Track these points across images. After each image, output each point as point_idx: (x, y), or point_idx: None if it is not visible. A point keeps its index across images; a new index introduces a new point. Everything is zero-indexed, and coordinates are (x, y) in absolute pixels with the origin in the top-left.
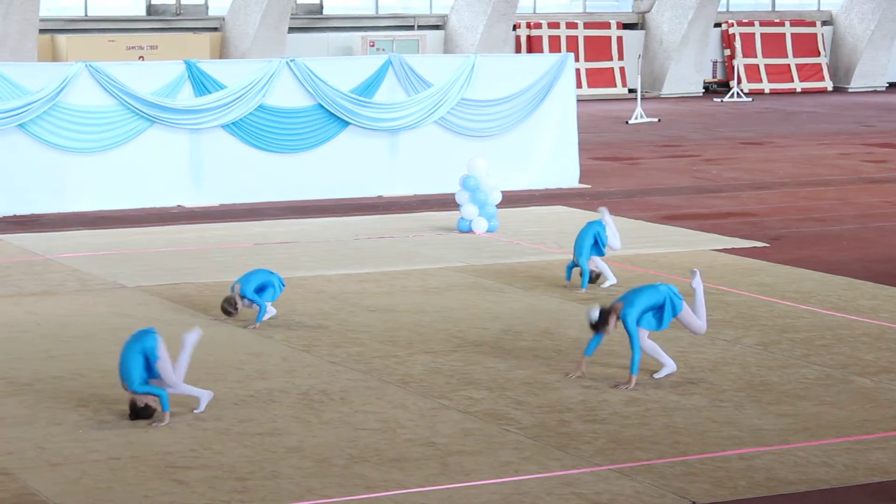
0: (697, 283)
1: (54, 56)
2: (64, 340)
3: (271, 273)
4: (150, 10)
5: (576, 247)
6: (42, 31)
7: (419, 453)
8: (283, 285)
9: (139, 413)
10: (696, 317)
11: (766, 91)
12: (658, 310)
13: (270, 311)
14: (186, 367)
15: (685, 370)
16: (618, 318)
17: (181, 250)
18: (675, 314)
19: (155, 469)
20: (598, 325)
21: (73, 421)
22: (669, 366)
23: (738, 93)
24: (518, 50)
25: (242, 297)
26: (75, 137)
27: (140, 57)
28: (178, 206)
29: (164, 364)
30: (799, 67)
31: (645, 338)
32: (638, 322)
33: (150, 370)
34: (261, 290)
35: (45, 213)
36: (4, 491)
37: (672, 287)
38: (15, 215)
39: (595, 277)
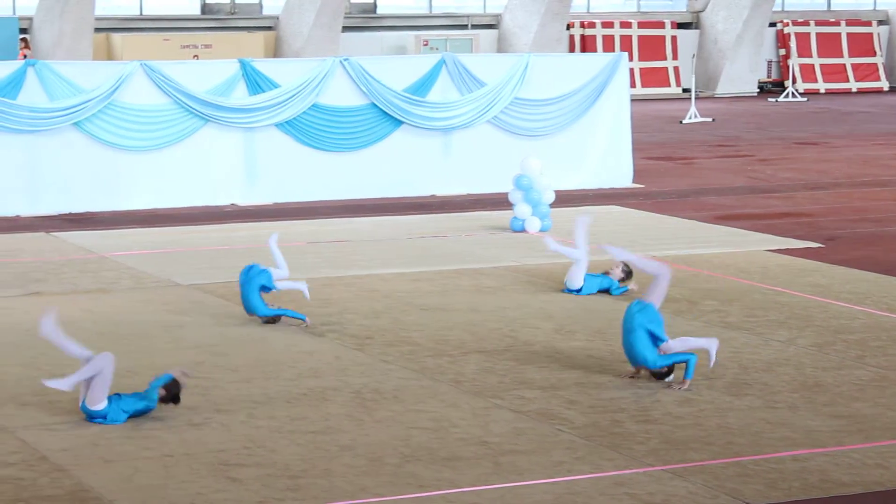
0: (617, 252)
1: (109, 55)
2: (118, 338)
3: (248, 270)
4: (205, 9)
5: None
6: (97, 30)
7: (471, 452)
8: (265, 269)
9: (168, 399)
10: (656, 280)
11: (822, 91)
12: (648, 335)
13: (300, 285)
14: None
15: (738, 371)
16: (654, 369)
17: (235, 249)
18: (656, 319)
19: (208, 466)
20: (669, 373)
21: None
22: (710, 346)
23: (792, 93)
24: (572, 49)
25: (266, 316)
26: (130, 136)
27: (195, 56)
28: (232, 204)
29: (98, 393)
30: (854, 67)
31: (672, 344)
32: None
33: (123, 402)
34: (264, 292)
35: (99, 210)
36: (59, 487)
37: (633, 307)
38: (70, 213)
39: (628, 274)
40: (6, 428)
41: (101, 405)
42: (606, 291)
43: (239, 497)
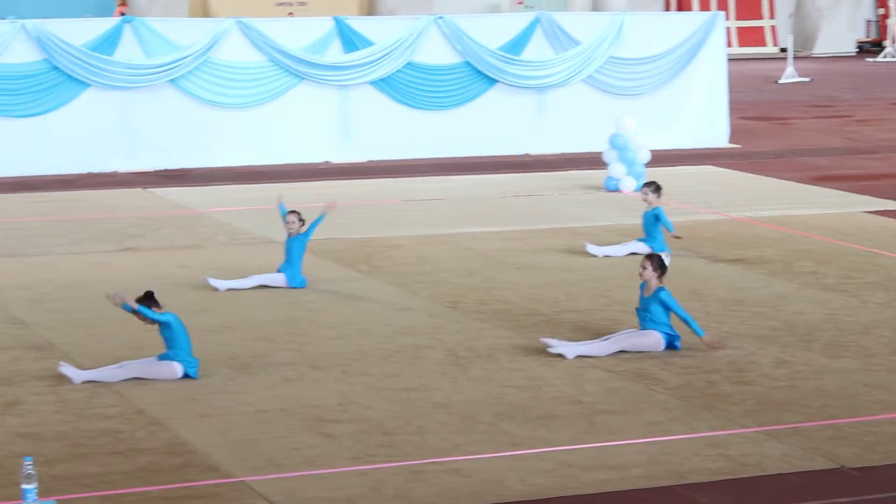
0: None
1: (205, 12)
2: (213, 293)
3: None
4: None
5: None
6: None
7: (565, 411)
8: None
9: (148, 300)
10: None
11: None
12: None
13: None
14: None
15: (835, 333)
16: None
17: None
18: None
19: (303, 422)
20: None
21: (222, 373)
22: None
23: (891, 53)
24: (667, 8)
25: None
26: (225, 93)
27: (290, 13)
28: (326, 161)
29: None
30: None
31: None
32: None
33: (178, 346)
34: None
35: (194, 167)
36: (156, 441)
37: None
38: (166, 169)
39: (657, 189)
40: (104, 382)
41: (177, 370)
42: (657, 220)
43: (333, 452)
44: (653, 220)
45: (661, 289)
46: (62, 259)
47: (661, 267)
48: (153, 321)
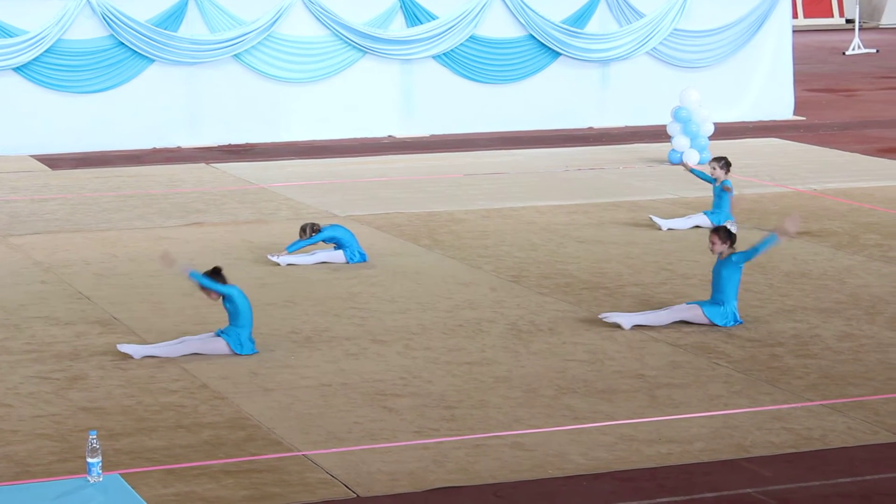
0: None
1: None
2: (276, 268)
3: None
4: None
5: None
6: None
7: (627, 385)
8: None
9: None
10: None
11: None
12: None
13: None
14: None
15: None
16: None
17: (392, 180)
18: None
19: (365, 396)
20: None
21: (285, 347)
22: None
23: None
24: None
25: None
26: (289, 67)
27: None
28: (389, 136)
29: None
30: None
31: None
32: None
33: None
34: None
35: (258, 142)
36: (219, 415)
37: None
38: (230, 144)
39: (726, 165)
40: (168, 356)
41: (222, 345)
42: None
43: (395, 426)
44: (720, 193)
45: (733, 254)
46: (126, 234)
47: (729, 237)
48: (217, 293)
